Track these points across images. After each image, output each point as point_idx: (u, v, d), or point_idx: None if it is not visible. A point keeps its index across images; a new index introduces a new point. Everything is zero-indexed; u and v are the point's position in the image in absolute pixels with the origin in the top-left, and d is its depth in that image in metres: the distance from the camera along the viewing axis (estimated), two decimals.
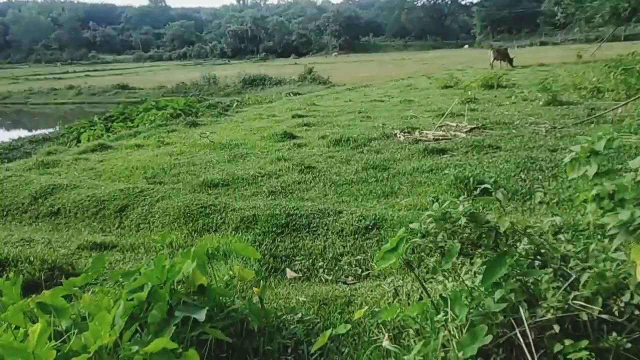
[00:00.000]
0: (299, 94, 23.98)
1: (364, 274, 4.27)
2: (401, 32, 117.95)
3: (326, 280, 4.20)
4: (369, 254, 4.62)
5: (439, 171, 7.24)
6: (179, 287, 2.78)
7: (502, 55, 29.99)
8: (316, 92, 24.59)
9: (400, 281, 3.64)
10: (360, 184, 6.99)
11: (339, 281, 4.16)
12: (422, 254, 2.67)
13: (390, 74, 37.02)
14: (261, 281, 3.98)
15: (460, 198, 2.70)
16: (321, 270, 4.37)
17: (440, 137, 9.60)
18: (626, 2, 15.09)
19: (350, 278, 4.20)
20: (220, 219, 5.67)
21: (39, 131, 20.18)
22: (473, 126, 10.44)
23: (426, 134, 10.01)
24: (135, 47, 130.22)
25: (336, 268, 4.41)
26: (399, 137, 10.02)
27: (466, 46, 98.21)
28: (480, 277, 2.62)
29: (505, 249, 2.54)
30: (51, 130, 19.74)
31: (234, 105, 20.03)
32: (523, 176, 6.61)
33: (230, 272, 3.15)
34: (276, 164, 8.40)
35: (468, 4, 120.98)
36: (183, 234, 5.48)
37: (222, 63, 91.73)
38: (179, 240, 5.30)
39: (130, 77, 49.27)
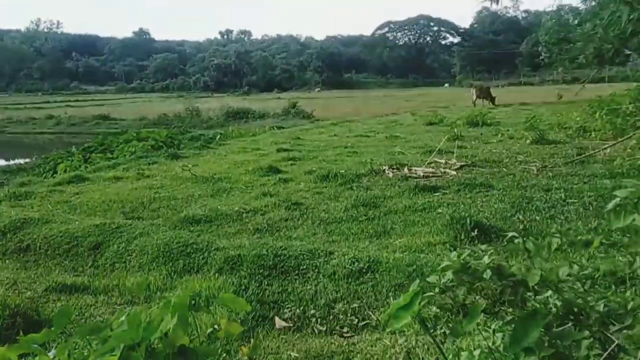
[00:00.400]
0: (283, 127, 23.81)
1: (360, 324, 3.90)
2: (383, 70, 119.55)
3: (319, 331, 3.82)
4: (364, 301, 4.26)
5: (432, 210, 6.96)
6: (157, 344, 2.40)
7: (485, 93, 30.31)
8: (300, 126, 24.45)
9: (406, 339, 3.28)
10: (350, 222, 6.67)
11: (334, 333, 3.78)
12: (438, 310, 2.32)
13: (373, 110, 37.14)
14: (251, 337, 3.59)
15: (482, 247, 2.39)
16: (313, 319, 3.99)
17: (430, 174, 9.36)
18: (609, 44, 15.21)
19: (346, 329, 3.82)
20: (203, 259, 5.28)
21: (15, 161, 19.61)
22: (462, 163, 10.24)
23: (415, 170, 9.77)
24: (118, 79, 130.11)
25: (330, 317, 4.04)
26: (388, 173, 9.76)
27: (447, 85, 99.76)
28: (500, 336, 2.29)
29: (535, 306, 2.22)
30: (27, 160, 19.16)
31: (217, 138, 19.71)
32: (521, 217, 6.35)
33: (216, 326, 2.77)
34: (261, 200, 8.05)
35: (448, 43, 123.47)
36: (162, 275, 5.06)
37: (205, 96, 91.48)
38: (158, 282, 4.89)
39: (111, 108, 48.79)
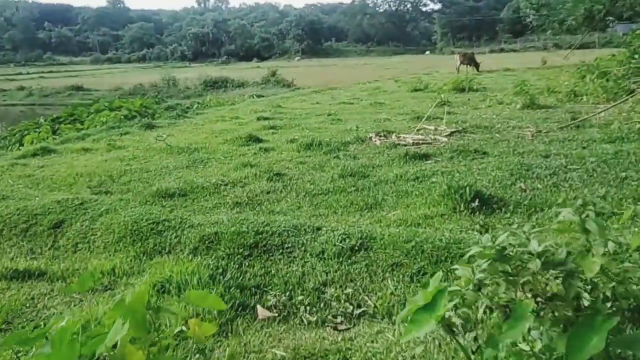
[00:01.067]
0: (263, 96, 23.06)
1: (356, 312, 3.39)
2: (363, 38, 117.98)
3: (309, 322, 3.30)
4: (358, 284, 3.75)
5: (425, 179, 6.45)
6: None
7: (469, 59, 29.71)
8: (281, 94, 23.70)
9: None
10: (338, 193, 6.13)
11: (326, 324, 3.26)
12: (468, 310, 1.80)
13: (355, 78, 36.37)
14: (229, 332, 3.05)
15: (525, 228, 1.87)
16: (302, 307, 3.46)
17: (420, 142, 8.83)
18: (600, 4, 14.74)
19: (339, 319, 3.31)
20: (176, 237, 4.72)
21: None
22: (453, 130, 9.72)
23: (404, 137, 9.23)
24: (92, 49, 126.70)
25: (320, 304, 3.52)
26: (375, 141, 9.21)
27: (427, 52, 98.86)
28: (537, 335, 1.79)
29: (593, 304, 1.71)
30: None
31: (194, 107, 18.95)
32: (523, 186, 5.86)
33: (183, 327, 2.22)
34: (241, 171, 7.47)
35: (429, 10, 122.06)
36: (129, 257, 4.50)
37: (182, 66, 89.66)
38: (124, 265, 4.33)
39: (86, 79, 47.43)
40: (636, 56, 13.64)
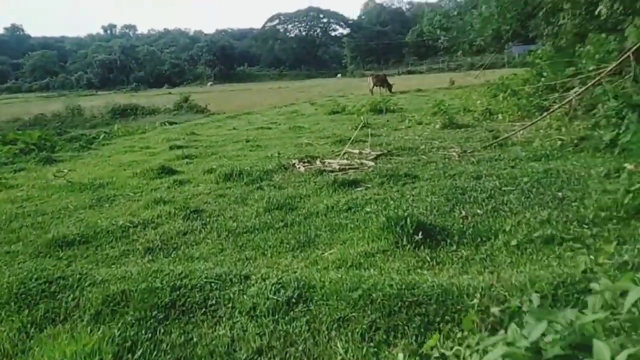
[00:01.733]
0: (176, 123, 22.00)
1: None
2: (275, 62, 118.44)
3: None
4: (300, 347, 3.12)
5: (358, 209, 5.94)
6: None
7: (382, 81, 30.09)
8: (195, 120, 22.77)
9: None
10: (265, 231, 5.48)
11: None
12: None
13: (270, 102, 35.96)
14: None
15: (567, 313, 1.33)
16: None
17: (347, 167, 8.37)
18: (507, 25, 15.18)
19: None
20: (73, 299, 3.89)
21: None
22: (379, 153, 9.35)
23: (329, 163, 8.74)
24: None
25: None
26: (299, 167, 8.66)
27: (339, 75, 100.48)
28: None
29: None
30: None
31: (101, 137, 17.67)
32: (464, 212, 5.47)
33: None
34: (153, 209, 6.65)
35: (338, 35, 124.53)
36: (12, 330, 3.61)
37: (89, 94, 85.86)
38: (4, 342, 3.45)
39: None
40: (544, 74, 14.02)
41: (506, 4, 15.16)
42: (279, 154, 9.72)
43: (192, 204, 6.73)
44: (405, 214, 5.00)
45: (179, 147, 12.24)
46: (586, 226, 4.85)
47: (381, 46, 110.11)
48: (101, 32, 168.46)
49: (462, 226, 5.09)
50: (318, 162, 9.00)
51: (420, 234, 4.66)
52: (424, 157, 8.91)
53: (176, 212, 6.32)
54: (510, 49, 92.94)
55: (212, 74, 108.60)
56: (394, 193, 6.56)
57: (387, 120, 14.87)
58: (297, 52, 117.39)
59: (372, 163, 8.53)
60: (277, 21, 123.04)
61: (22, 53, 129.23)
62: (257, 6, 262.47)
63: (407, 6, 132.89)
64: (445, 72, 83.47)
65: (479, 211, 5.55)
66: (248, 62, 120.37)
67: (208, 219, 6.02)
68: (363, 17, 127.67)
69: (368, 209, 5.90)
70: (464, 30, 19.04)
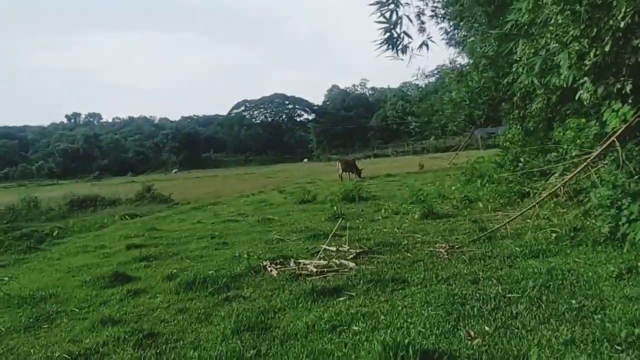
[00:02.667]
0: (137, 215, 20.89)
1: None
2: (242, 148, 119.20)
3: None
4: None
5: (345, 329, 5.01)
6: None
7: (351, 166, 29.83)
8: (157, 212, 21.72)
9: None
10: None
11: None
12: None
13: (235, 188, 35.28)
14: None
15: None
16: None
17: (325, 269, 7.48)
18: (480, 111, 15.06)
19: None
20: None
21: None
22: (358, 250, 8.51)
23: (304, 265, 7.85)
24: None
25: None
26: (271, 270, 7.73)
27: (305, 160, 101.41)
28: None
29: None
30: None
31: (55, 233, 16.45)
32: (471, 333, 4.61)
33: None
34: (99, 332, 5.58)
35: (304, 120, 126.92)
36: None
37: (50, 184, 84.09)
38: None
39: None
40: (520, 159, 13.69)
41: (476, 89, 15.08)
42: (247, 254, 8.81)
43: (146, 324, 5.69)
44: (406, 340, 4.11)
45: (137, 246, 11.17)
46: (619, 348, 4.05)
47: (346, 130, 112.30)
48: (65, 120, 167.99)
49: (472, 352, 4.22)
50: (292, 263, 8.09)
51: None
52: (408, 255, 8.10)
53: (126, 336, 5.27)
54: (472, 131, 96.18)
55: (177, 160, 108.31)
56: (382, 304, 5.67)
57: (362, 210, 14.17)
58: (263, 138, 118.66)
59: (352, 264, 7.67)
60: (242, 107, 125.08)
61: None
62: (223, 94, 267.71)
63: (370, 92, 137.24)
64: (411, 154, 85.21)
65: (487, 328, 4.70)
66: (214, 148, 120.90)
67: (164, 347, 4.99)
68: (328, 102, 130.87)
69: (356, 328, 4.99)
70: (433, 115, 18.96)
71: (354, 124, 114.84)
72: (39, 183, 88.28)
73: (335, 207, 13.51)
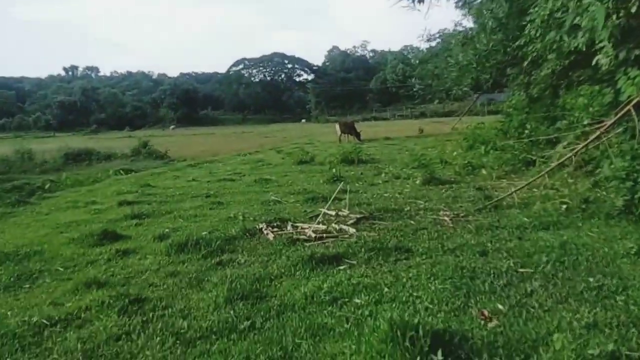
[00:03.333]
0: (132, 171, 20.51)
1: None
2: (240, 107, 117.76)
3: None
4: None
5: (347, 302, 4.66)
6: None
7: (350, 128, 29.25)
8: (152, 169, 21.28)
9: None
10: (225, 336, 4.13)
11: None
12: None
13: (232, 147, 34.77)
14: None
15: None
16: None
17: (324, 234, 7.12)
18: (487, 74, 14.53)
19: None
20: None
21: None
22: (359, 215, 8.14)
23: (302, 229, 7.49)
24: None
25: None
26: (267, 233, 7.38)
27: (303, 120, 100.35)
28: None
29: None
30: None
31: (46, 186, 16.05)
32: (485, 313, 4.26)
33: None
34: (83, 295, 5.24)
35: (303, 80, 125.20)
36: None
37: (46, 136, 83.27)
38: None
39: None
40: (527, 126, 13.25)
41: (484, 53, 14.49)
42: (243, 215, 8.47)
43: (133, 288, 5.33)
44: (415, 319, 3.75)
45: (130, 202, 10.80)
46: None
47: (345, 92, 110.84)
48: (62, 73, 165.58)
49: (485, 333, 3.87)
50: (289, 226, 7.74)
51: (439, 353, 3.40)
52: (411, 222, 7.73)
53: (111, 301, 4.91)
54: (473, 96, 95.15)
55: (175, 117, 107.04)
56: (386, 275, 5.32)
57: (361, 173, 13.77)
58: (261, 97, 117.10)
59: (352, 229, 7.30)
60: (241, 66, 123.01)
61: None
62: (222, 51, 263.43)
63: (371, 54, 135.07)
64: (410, 118, 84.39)
65: (500, 307, 4.35)
66: (212, 106, 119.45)
67: (152, 314, 4.64)
68: (327, 63, 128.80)
69: (358, 301, 4.64)
70: (435, 79, 18.36)
71: (353, 85, 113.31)
72: (35, 135, 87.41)
73: (334, 170, 13.09)
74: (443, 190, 10.36)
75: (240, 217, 8.54)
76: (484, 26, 14.64)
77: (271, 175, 14.28)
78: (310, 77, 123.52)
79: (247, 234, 7.43)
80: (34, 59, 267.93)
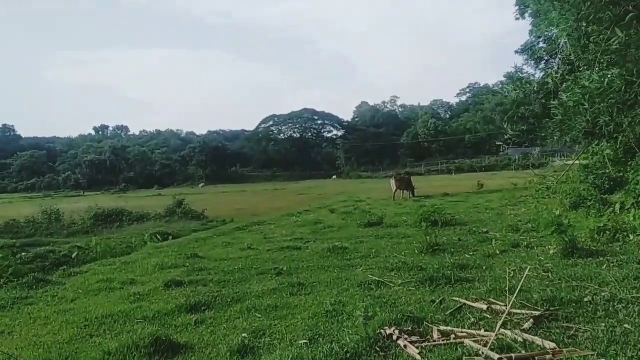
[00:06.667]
0: (169, 234, 18.08)
1: None
2: (268, 163, 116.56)
3: None
4: None
5: None
6: None
7: (407, 184, 26.60)
8: (191, 231, 18.87)
9: None
10: None
11: None
12: None
13: (270, 205, 32.49)
14: None
15: None
16: None
17: (512, 356, 4.42)
18: (608, 117, 11.98)
19: None
20: None
21: None
22: (534, 313, 5.42)
23: (457, 337, 4.82)
24: None
25: None
26: (405, 346, 4.74)
27: (334, 177, 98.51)
28: None
29: None
30: None
31: (74, 255, 13.64)
32: None
33: None
34: None
35: (332, 136, 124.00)
36: None
37: (75, 195, 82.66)
38: None
39: None
40: None
41: (597, 91, 11.94)
42: (343, 306, 5.84)
43: None
44: None
45: (179, 283, 8.25)
46: None
47: (376, 147, 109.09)
48: (93, 133, 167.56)
49: None
50: (435, 333, 5.08)
51: None
52: (612, 321, 5.03)
53: None
54: (506, 150, 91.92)
55: (204, 174, 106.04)
56: None
57: (459, 240, 11.10)
58: (290, 154, 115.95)
59: (550, 343, 4.59)
60: (271, 122, 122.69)
61: (12, 153, 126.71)
62: (248, 109, 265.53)
63: (400, 109, 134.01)
64: (445, 173, 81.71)
65: None
66: (241, 163, 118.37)
67: None
68: (357, 119, 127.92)
69: None
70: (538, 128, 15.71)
71: (384, 141, 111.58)
72: (65, 194, 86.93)
73: (427, 236, 10.43)
74: (595, 265, 7.63)
75: (342, 310, 5.96)
76: (593, 60, 12.15)
77: (342, 242, 11.64)
78: (340, 132, 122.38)
79: (375, 347, 4.79)
80: (65, 119, 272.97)
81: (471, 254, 9.38)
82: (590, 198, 13.26)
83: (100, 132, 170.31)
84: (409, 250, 10.09)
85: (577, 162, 15.75)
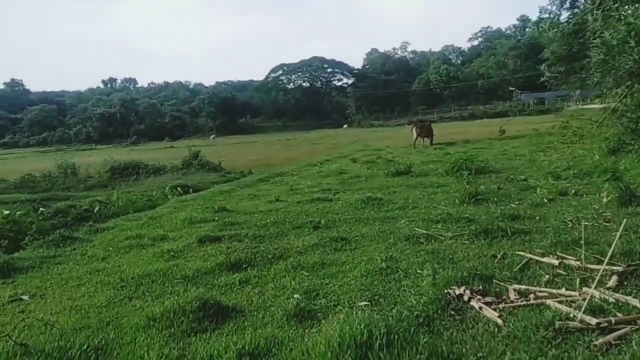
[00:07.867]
0: (188, 187, 17.66)
1: None
2: (278, 113, 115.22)
3: None
4: None
5: None
6: None
7: (427, 131, 25.80)
8: (211, 183, 18.48)
9: None
10: None
11: None
12: None
13: (285, 155, 32.03)
14: None
15: None
16: None
17: (611, 320, 3.96)
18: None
19: None
20: None
21: None
22: (616, 268, 4.93)
23: (538, 297, 4.36)
24: None
25: None
26: (479, 307, 4.29)
27: (345, 126, 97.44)
28: None
29: None
30: None
31: (96, 210, 13.28)
32: None
33: None
34: None
35: (343, 85, 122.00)
36: None
37: (87, 148, 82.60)
38: None
39: None
40: None
41: None
42: (396, 263, 5.37)
43: None
44: None
45: (214, 238, 7.83)
46: None
47: (387, 95, 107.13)
48: (101, 85, 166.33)
49: None
50: (511, 293, 4.62)
51: None
52: None
53: None
54: (519, 96, 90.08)
55: (214, 126, 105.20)
56: None
57: (499, 188, 10.58)
58: (300, 103, 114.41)
59: (636, 301, 4.14)
60: (280, 72, 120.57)
61: (21, 108, 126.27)
62: (257, 59, 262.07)
63: (411, 55, 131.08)
64: (458, 120, 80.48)
65: None
66: (250, 114, 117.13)
67: None
68: (367, 66, 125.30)
69: None
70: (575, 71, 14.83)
71: (395, 88, 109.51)
72: (76, 148, 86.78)
73: (467, 186, 9.92)
74: None
75: (397, 269, 5.51)
76: None
77: (374, 192, 11.17)
78: (350, 81, 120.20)
79: (447, 310, 4.35)
80: (73, 72, 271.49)
81: (517, 202, 8.87)
82: (632, 142, 12.61)
83: (109, 85, 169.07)
84: (448, 200, 9.60)
85: (610, 105, 14.97)
